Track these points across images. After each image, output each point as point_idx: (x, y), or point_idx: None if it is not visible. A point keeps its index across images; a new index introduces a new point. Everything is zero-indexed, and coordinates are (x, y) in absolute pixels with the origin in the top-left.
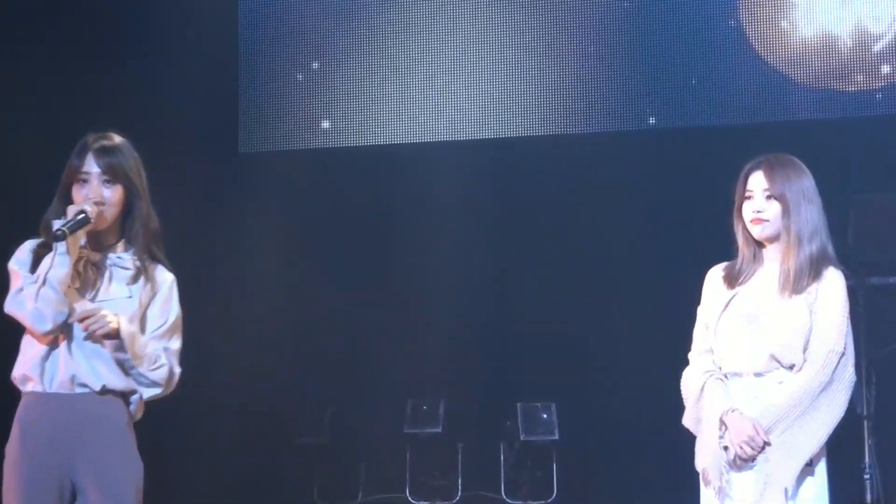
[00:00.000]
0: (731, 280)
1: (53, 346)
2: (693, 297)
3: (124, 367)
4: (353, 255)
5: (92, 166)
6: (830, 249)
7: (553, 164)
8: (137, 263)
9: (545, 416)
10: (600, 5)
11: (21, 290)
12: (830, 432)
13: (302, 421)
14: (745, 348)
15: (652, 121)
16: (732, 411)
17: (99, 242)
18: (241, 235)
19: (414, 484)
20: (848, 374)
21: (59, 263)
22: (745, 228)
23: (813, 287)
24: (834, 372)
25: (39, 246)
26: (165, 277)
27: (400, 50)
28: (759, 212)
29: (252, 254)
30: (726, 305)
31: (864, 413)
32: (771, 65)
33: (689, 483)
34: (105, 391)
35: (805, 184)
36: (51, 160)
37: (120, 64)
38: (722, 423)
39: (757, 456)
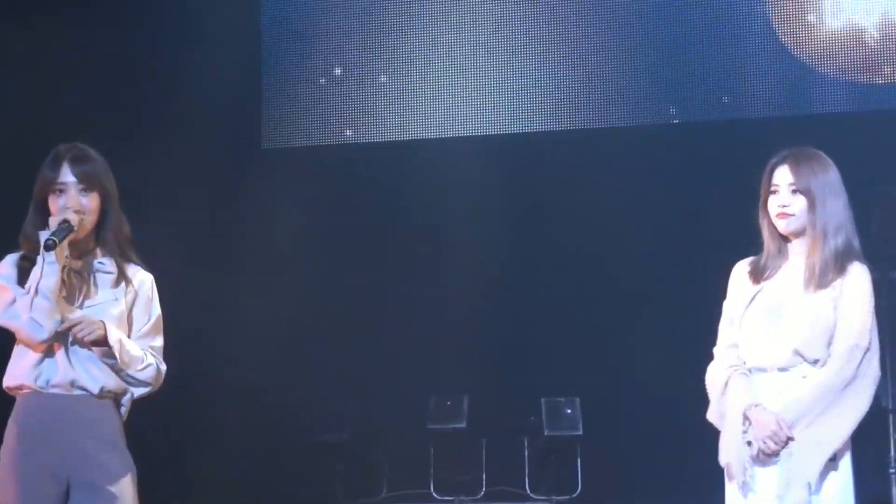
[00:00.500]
0: (757, 275)
1: (48, 352)
2: (718, 293)
3: (114, 370)
4: (376, 250)
5: (68, 176)
6: (856, 243)
7: (576, 158)
8: (117, 267)
9: (569, 411)
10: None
11: (13, 302)
12: (855, 427)
13: (325, 418)
14: (770, 343)
15: (674, 115)
16: (756, 406)
17: (79, 250)
18: (262, 231)
19: (438, 479)
20: (872, 369)
21: (48, 273)
22: (770, 223)
23: (838, 282)
24: (858, 367)
25: (21, 259)
26: (144, 278)
27: (421, 46)
28: (784, 206)
29: (274, 249)
30: (751, 300)
31: (890, 407)
32: (797, 57)
33: (713, 478)
34: (103, 394)
35: (831, 177)
36: None
37: (142, 61)
38: (745, 418)
39: (780, 451)
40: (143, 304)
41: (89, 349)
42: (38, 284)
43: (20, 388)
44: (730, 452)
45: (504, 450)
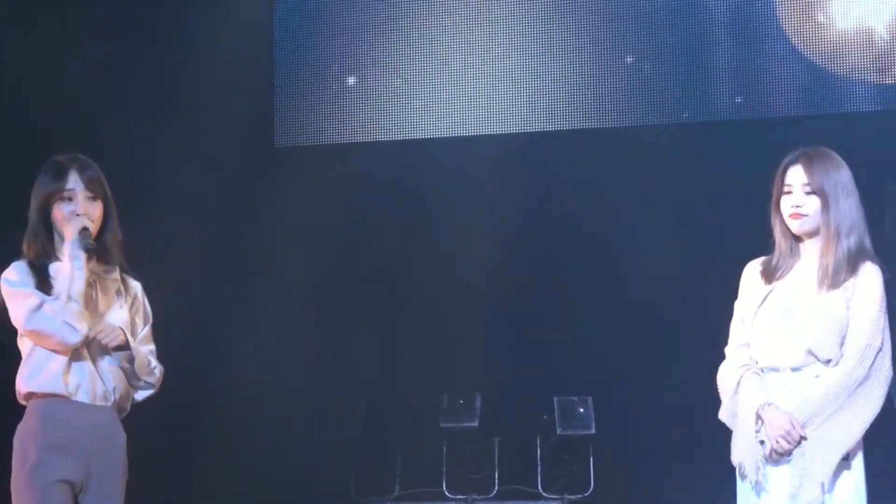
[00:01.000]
0: (769, 275)
1: (76, 359)
2: (731, 292)
3: (128, 375)
4: (388, 247)
5: (77, 184)
6: (868, 243)
7: (590, 158)
8: (118, 275)
9: (582, 409)
10: None
11: (40, 306)
12: (867, 427)
13: (337, 415)
14: (782, 343)
15: (687, 115)
16: (769, 405)
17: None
18: (275, 228)
19: (450, 478)
20: (885, 369)
21: (79, 278)
22: (782, 223)
23: (850, 282)
24: (871, 367)
25: (30, 266)
26: (136, 284)
27: (435, 45)
28: (798, 207)
29: (286, 246)
30: (763, 300)
31: None
32: (807, 58)
33: (725, 477)
34: (117, 404)
35: (843, 177)
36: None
37: (155, 60)
38: (758, 417)
39: (793, 450)
40: (141, 309)
41: (111, 354)
42: (69, 289)
43: (46, 394)
44: (743, 452)
45: (516, 448)
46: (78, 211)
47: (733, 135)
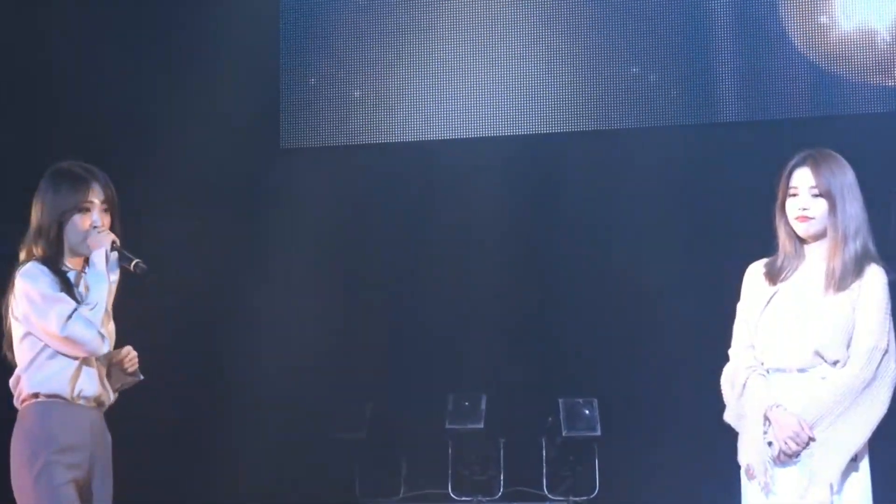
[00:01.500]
0: (773, 276)
1: (87, 365)
2: (736, 294)
3: (120, 386)
4: (394, 249)
5: (99, 195)
6: (871, 245)
7: (594, 159)
8: None
9: (587, 411)
10: (636, 1)
11: (73, 313)
12: (874, 429)
13: (343, 416)
14: (789, 344)
15: (690, 117)
16: (777, 407)
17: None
18: (282, 230)
19: (456, 479)
20: (891, 371)
21: (113, 291)
22: (787, 225)
23: (855, 284)
24: (877, 369)
25: (50, 270)
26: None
27: (441, 46)
28: (804, 209)
29: (293, 248)
30: (768, 302)
31: None
32: (810, 59)
33: (731, 479)
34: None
35: (849, 180)
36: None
37: (162, 62)
38: (766, 419)
39: (801, 452)
40: None
41: (131, 377)
42: (108, 301)
43: (49, 395)
44: (750, 453)
45: (522, 450)
46: (97, 222)
47: (737, 137)
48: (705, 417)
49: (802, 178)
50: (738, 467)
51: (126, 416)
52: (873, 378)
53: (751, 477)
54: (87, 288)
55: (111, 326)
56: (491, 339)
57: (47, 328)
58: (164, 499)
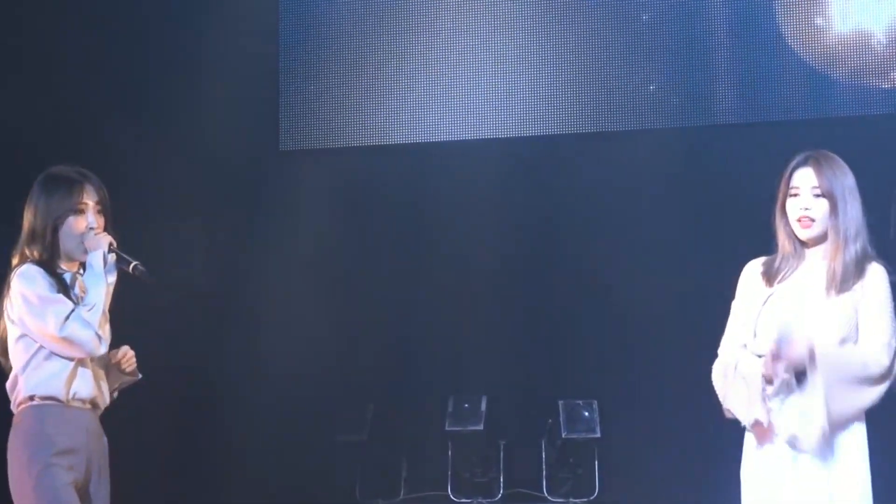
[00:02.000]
0: (770, 277)
1: (83, 366)
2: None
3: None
4: (394, 251)
5: (93, 196)
6: (870, 247)
7: (592, 161)
8: None
9: (587, 413)
10: (634, 2)
11: (70, 314)
12: (862, 410)
13: (343, 418)
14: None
15: (686, 119)
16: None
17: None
18: (281, 232)
19: (456, 481)
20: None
21: (110, 293)
22: (787, 225)
23: (858, 285)
24: (891, 364)
25: (47, 272)
26: None
27: (441, 49)
28: (806, 209)
29: (292, 251)
30: (765, 302)
31: None
32: (806, 61)
33: (730, 480)
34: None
35: (849, 181)
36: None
37: (160, 62)
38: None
39: (795, 383)
40: None
41: (129, 376)
42: (105, 302)
43: (45, 397)
44: (754, 408)
45: (522, 452)
46: (92, 224)
47: (734, 139)
48: (705, 419)
49: (804, 179)
50: (738, 468)
51: (125, 417)
52: (891, 370)
53: (759, 432)
54: (84, 289)
55: (107, 328)
56: (491, 341)
57: (45, 329)
58: (163, 500)
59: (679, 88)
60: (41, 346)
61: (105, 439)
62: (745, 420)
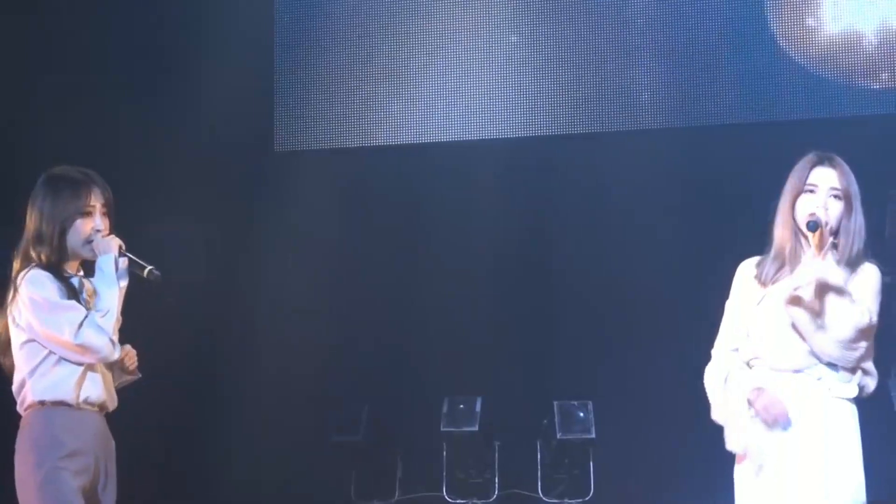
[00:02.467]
0: (765, 277)
1: (92, 370)
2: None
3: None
4: (389, 252)
5: (99, 198)
6: (866, 249)
7: (589, 162)
8: None
9: (582, 414)
10: (629, 4)
11: (84, 320)
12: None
13: (339, 419)
14: (784, 345)
15: (679, 119)
16: (758, 390)
17: (85, 269)
18: (275, 233)
19: (451, 482)
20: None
21: (122, 297)
22: (791, 220)
23: (850, 280)
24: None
25: (56, 276)
26: None
27: (436, 49)
28: (825, 209)
29: (286, 252)
30: (759, 302)
31: None
32: (796, 61)
33: (726, 481)
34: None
35: (857, 186)
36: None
37: (156, 62)
38: (749, 403)
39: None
40: None
41: (130, 375)
42: (119, 307)
43: (55, 402)
44: (742, 438)
45: (517, 453)
46: (98, 226)
47: (727, 139)
48: (700, 420)
49: (824, 177)
50: (732, 470)
51: (123, 417)
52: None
53: (747, 459)
54: (92, 293)
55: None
56: (486, 342)
57: (59, 336)
58: (159, 499)
59: (675, 89)
60: (50, 352)
61: (113, 442)
62: (731, 447)
